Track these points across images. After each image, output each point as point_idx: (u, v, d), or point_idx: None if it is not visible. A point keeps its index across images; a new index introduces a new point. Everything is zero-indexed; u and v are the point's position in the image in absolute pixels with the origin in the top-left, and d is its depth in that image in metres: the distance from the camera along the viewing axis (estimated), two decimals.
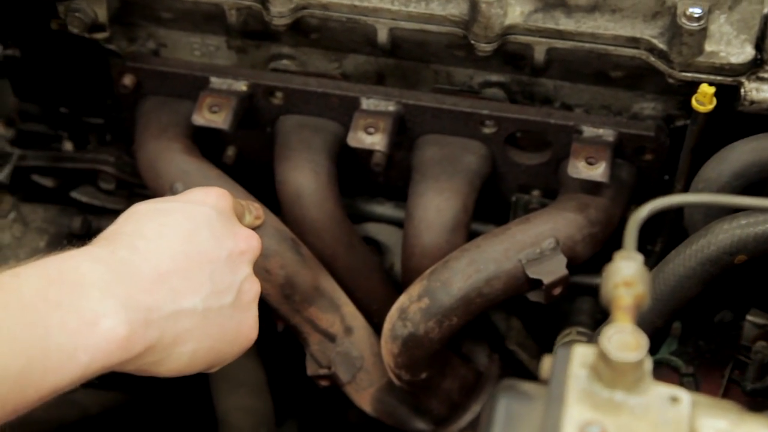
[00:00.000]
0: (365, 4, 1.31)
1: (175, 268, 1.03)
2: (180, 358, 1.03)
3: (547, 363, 0.78)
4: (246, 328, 1.12)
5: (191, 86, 1.41)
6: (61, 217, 1.58)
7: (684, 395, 0.75)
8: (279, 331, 1.46)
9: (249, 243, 1.14)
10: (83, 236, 1.39)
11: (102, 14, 1.37)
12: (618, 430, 0.73)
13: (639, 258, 0.80)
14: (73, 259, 0.97)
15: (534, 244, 1.29)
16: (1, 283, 0.91)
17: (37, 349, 0.89)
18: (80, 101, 1.57)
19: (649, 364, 0.76)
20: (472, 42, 1.28)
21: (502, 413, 0.77)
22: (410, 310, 1.30)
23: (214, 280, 1.07)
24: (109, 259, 0.98)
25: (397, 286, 1.45)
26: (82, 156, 1.58)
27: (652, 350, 1.41)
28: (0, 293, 0.90)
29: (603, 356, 0.74)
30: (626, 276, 0.78)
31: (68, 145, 1.60)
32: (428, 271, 1.31)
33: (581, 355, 0.77)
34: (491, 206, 1.47)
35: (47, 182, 1.59)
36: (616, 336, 0.75)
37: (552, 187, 1.42)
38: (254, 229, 1.27)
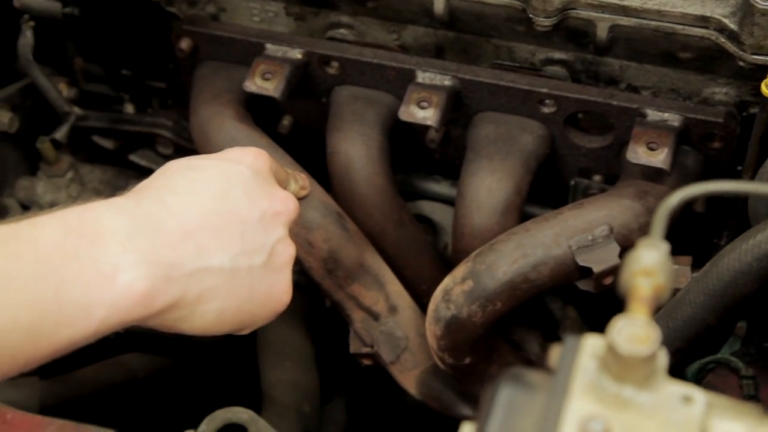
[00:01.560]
0: None
1: (204, 225, 1.00)
2: (204, 316, 1.01)
3: (556, 352, 0.73)
4: (278, 290, 1.08)
5: (247, 52, 1.39)
6: (118, 179, 1.58)
7: (699, 395, 0.69)
8: (327, 307, 1.44)
9: (285, 205, 1.10)
10: None
11: None
12: (623, 427, 0.68)
13: (664, 247, 0.74)
14: (95, 210, 0.95)
15: (586, 230, 1.23)
16: (19, 232, 0.90)
17: (50, 301, 0.87)
18: (143, 64, 1.57)
19: (662, 360, 0.70)
20: (531, 16, 1.22)
21: (503, 403, 0.72)
22: (454, 292, 1.25)
23: (245, 239, 1.04)
24: (133, 212, 0.96)
25: (451, 266, 1.40)
26: (142, 119, 1.58)
27: (712, 349, 1.34)
28: (16, 242, 0.89)
29: (611, 349, 0.69)
30: (647, 265, 0.73)
31: (130, 108, 1.60)
32: (474, 253, 1.26)
33: (592, 346, 0.72)
34: (550, 189, 1.42)
35: (107, 144, 1.59)
36: (626, 328, 0.69)
37: (614, 172, 1.36)
38: (299, 199, 1.25)
